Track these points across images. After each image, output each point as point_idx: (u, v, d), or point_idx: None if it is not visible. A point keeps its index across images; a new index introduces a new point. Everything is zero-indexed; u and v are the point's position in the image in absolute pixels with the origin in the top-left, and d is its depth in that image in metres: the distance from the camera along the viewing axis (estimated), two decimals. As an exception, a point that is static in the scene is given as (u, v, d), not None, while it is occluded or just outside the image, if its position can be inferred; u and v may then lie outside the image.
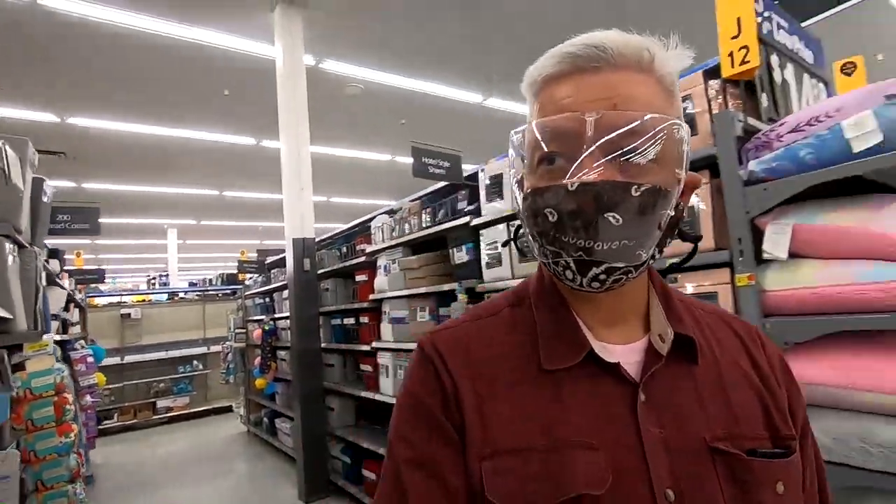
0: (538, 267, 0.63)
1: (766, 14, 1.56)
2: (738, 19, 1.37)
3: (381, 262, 3.21)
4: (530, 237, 0.54)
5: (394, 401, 2.43)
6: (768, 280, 1.32)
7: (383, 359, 3.19)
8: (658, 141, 0.48)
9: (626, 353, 0.55)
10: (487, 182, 2.33)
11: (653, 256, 0.53)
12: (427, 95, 6.32)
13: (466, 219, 2.39)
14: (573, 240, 0.49)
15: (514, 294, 0.64)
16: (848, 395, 1.18)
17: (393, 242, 3.06)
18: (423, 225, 2.74)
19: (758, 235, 1.33)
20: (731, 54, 1.38)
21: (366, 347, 3.41)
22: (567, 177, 0.48)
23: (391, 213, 3.32)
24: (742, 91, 1.54)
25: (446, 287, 2.53)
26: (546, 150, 0.51)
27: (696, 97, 1.48)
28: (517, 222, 0.60)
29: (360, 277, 3.61)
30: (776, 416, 0.55)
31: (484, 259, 2.28)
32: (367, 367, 3.52)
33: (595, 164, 0.48)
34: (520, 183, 0.55)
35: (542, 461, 0.50)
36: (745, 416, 0.54)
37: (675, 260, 0.64)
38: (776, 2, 1.66)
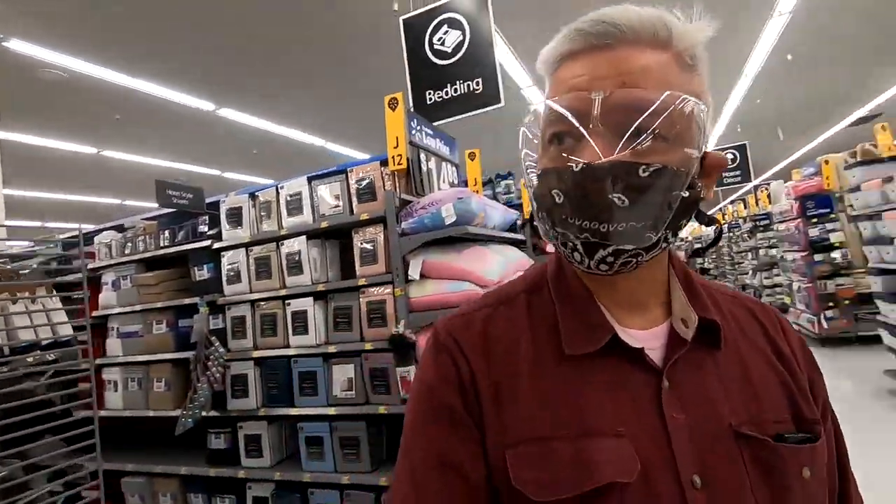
0: (554, 251, 0.61)
1: (417, 127, 2.57)
2: (397, 137, 2.30)
3: (108, 277, 3.21)
4: (540, 219, 0.53)
5: (125, 414, 2.77)
6: (411, 291, 2.27)
7: (110, 374, 3.20)
8: (669, 119, 0.47)
9: (648, 339, 0.55)
10: (227, 212, 2.79)
11: (666, 239, 0.51)
12: (148, 95, 5.96)
13: (209, 242, 2.78)
14: (579, 221, 0.48)
15: (530, 279, 0.63)
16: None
17: (125, 259, 3.13)
18: (163, 244, 2.97)
19: (406, 266, 2.28)
20: (393, 157, 2.30)
21: (85, 366, 3.30)
22: (573, 157, 0.48)
23: (120, 229, 3.34)
24: (406, 175, 2.51)
25: (187, 301, 2.85)
26: (554, 130, 0.51)
27: (376, 178, 2.37)
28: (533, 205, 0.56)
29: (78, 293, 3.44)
30: (800, 400, 0.55)
31: (225, 277, 2.73)
32: (84, 385, 3.40)
33: (602, 144, 0.47)
34: (535, 164, 0.54)
35: (569, 449, 0.49)
36: (769, 401, 0.54)
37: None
38: (424, 114, 2.71)
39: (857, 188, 4.44)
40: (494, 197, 4.85)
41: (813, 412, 0.55)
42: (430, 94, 3.42)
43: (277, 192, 2.65)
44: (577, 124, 0.48)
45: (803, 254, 6.67)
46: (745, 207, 10.65)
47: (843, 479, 0.58)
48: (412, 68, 3.53)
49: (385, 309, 2.30)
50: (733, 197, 16.03)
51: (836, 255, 6.33)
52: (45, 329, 1.30)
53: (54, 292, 1.34)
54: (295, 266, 2.53)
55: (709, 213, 0.57)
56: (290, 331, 2.54)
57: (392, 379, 2.28)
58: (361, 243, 2.41)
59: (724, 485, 0.49)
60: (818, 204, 6.51)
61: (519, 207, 4.34)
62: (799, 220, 6.73)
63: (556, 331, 0.56)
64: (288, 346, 2.55)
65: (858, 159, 4.73)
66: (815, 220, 6.54)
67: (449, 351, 0.56)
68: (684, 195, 0.49)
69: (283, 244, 2.58)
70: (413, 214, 2.26)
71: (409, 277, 2.25)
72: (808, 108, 9.11)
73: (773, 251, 8.54)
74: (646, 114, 0.47)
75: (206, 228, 2.91)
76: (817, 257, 6.50)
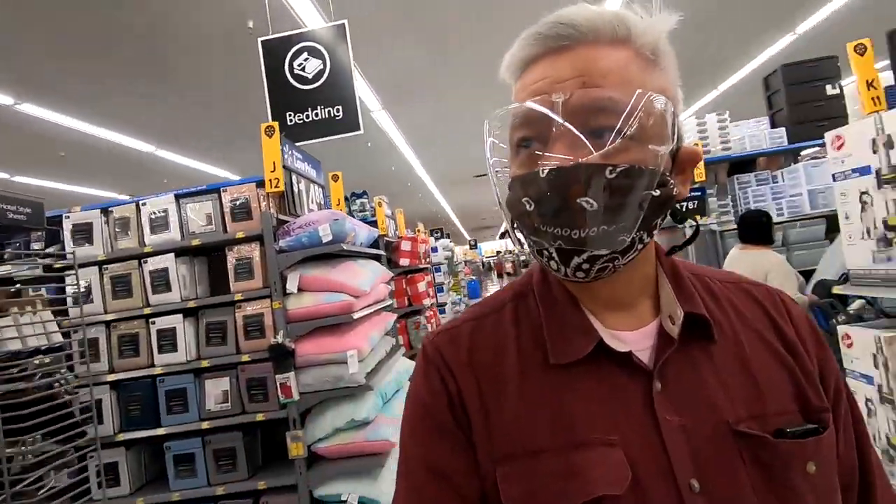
0: None
1: (289, 152, 2.78)
2: (274, 162, 2.50)
3: None
4: (515, 228, 0.53)
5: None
6: (289, 304, 2.47)
7: None
8: (632, 117, 0.46)
9: (638, 339, 0.54)
10: (73, 229, 2.61)
11: (641, 240, 0.50)
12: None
13: (49, 260, 2.56)
14: (550, 228, 0.48)
15: (518, 287, 0.62)
16: (323, 358, 2.45)
17: (-80, 282, 2.65)
18: (-18, 264, 2.61)
19: (284, 280, 2.47)
20: (270, 180, 2.49)
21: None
22: (540, 162, 0.47)
23: None
24: (279, 196, 2.69)
25: (17, 326, 2.57)
26: (520, 135, 0.51)
27: (252, 199, 2.52)
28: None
29: None
30: (806, 387, 0.53)
31: (70, 297, 2.54)
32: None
33: (566, 148, 0.46)
34: (505, 171, 0.54)
35: (557, 462, 0.48)
36: (771, 392, 0.52)
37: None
38: (291, 135, 2.93)
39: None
40: (350, 214, 5.15)
41: (821, 399, 0.53)
42: (290, 115, 3.58)
43: (138, 209, 2.59)
44: (541, 128, 0.48)
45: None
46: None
47: (864, 461, 0.56)
48: (272, 89, 3.65)
49: (263, 321, 2.46)
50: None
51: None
52: (42, 338, 1.46)
53: (40, 306, 1.52)
54: (161, 283, 2.51)
55: None
56: (155, 349, 2.50)
57: (271, 386, 2.44)
58: (236, 260, 2.52)
59: (723, 487, 0.47)
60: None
61: (374, 224, 4.71)
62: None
63: (543, 339, 0.55)
64: (153, 366, 2.51)
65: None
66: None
67: (437, 367, 0.56)
68: (655, 194, 0.48)
69: (146, 261, 2.53)
70: (290, 233, 2.47)
71: (287, 291, 2.45)
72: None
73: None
74: (608, 113, 0.47)
75: (41, 245, 2.67)
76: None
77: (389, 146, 9.12)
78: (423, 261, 5.53)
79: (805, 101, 4.06)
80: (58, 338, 1.71)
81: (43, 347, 1.68)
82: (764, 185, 3.93)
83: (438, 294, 7.01)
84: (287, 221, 2.57)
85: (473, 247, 28.51)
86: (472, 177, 13.45)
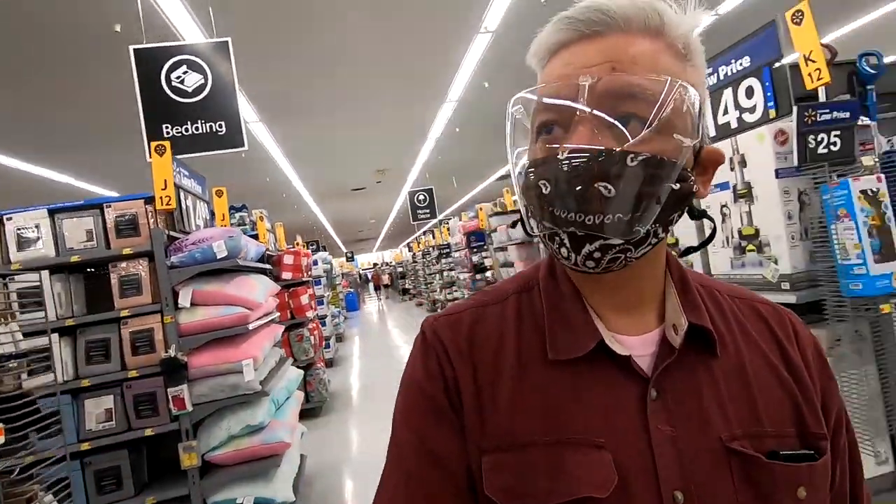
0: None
1: (177, 169, 2.83)
2: (165, 180, 2.56)
3: None
4: (528, 214, 0.52)
5: None
6: (181, 318, 2.54)
7: None
8: (660, 106, 0.45)
9: (640, 345, 0.53)
10: (18, 232, 2.40)
11: (655, 234, 0.49)
12: None
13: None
14: (564, 213, 0.47)
15: (523, 278, 0.62)
16: (220, 368, 2.55)
17: None
18: None
19: (176, 295, 2.53)
20: (161, 198, 2.54)
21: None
22: (560, 146, 0.46)
23: None
24: (173, 212, 2.72)
25: None
26: (542, 119, 0.50)
27: (140, 215, 2.54)
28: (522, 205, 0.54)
29: None
30: (806, 412, 0.53)
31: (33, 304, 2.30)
32: None
33: (589, 133, 0.46)
34: (524, 157, 0.53)
35: (544, 458, 0.49)
36: (769, 413, 0.52)
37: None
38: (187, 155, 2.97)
39: (494, 230, 6.64)
40: (229, 228, 5.07)
41: (819, 426, 0.53)
42: (167, 127, 3.52)
43: (1, 223, 2.44)
44: (565, 112, 0.48)
45: (470, 274, 9.09)
46: (433, 238, 13.36)
47: (856, 497, 0.57)
48: (146, 100, 3.54)
49: (153, 336, 2.48)
50: (424, 229, 19.53)
51: (488, 274, 8.89)
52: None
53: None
54: (32, 302, 2.39)
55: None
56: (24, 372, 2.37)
57: (161, 400, 2.46)
58: (122, 276, 2.51)
59: (707, 501, 0.47)
60: (477, 238, 9.02)
61: (255, 238, 4.73)
62: (466, 249, 9.15)
63: (543, 334, 0.55)
64: (20, 389, 2.37)
65: (496, 210, 7.03)
66: (475, 249, 9.04)
67: (435, 352, 0.56)
68: (675, 187, 0.48)
69: (12, 279, 2.39)
70: (183, 249, 2.54)
71: (180, 305, 2.52)
72: (470, 166, 12.28)
73: (452, 272, 11.12)
74: (636, 100, 0.46)
75: None
76: (478, 276, 8.98)
77: (266, 158, 8.93)
78: (305, 274, 5.63)
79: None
80: (24, 345, 1.67)
81: (13, 353, 1.65)
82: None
83: (319, 307, 7.08)
84: (176, 238, 2.63)
85: (350, 259, 28.31)
86: (349, 190, 13.57)
